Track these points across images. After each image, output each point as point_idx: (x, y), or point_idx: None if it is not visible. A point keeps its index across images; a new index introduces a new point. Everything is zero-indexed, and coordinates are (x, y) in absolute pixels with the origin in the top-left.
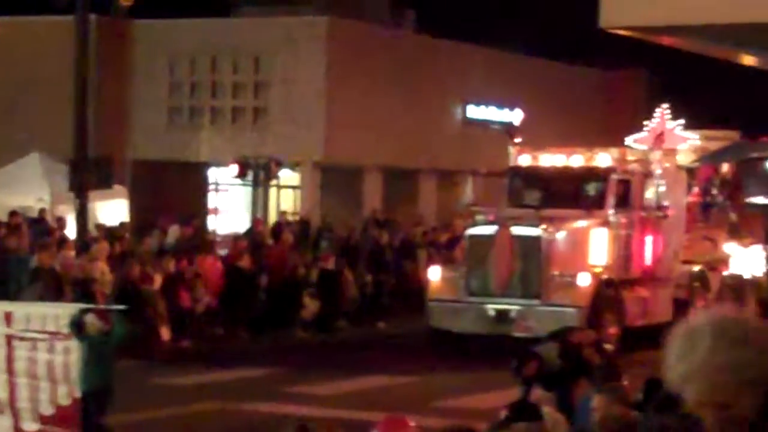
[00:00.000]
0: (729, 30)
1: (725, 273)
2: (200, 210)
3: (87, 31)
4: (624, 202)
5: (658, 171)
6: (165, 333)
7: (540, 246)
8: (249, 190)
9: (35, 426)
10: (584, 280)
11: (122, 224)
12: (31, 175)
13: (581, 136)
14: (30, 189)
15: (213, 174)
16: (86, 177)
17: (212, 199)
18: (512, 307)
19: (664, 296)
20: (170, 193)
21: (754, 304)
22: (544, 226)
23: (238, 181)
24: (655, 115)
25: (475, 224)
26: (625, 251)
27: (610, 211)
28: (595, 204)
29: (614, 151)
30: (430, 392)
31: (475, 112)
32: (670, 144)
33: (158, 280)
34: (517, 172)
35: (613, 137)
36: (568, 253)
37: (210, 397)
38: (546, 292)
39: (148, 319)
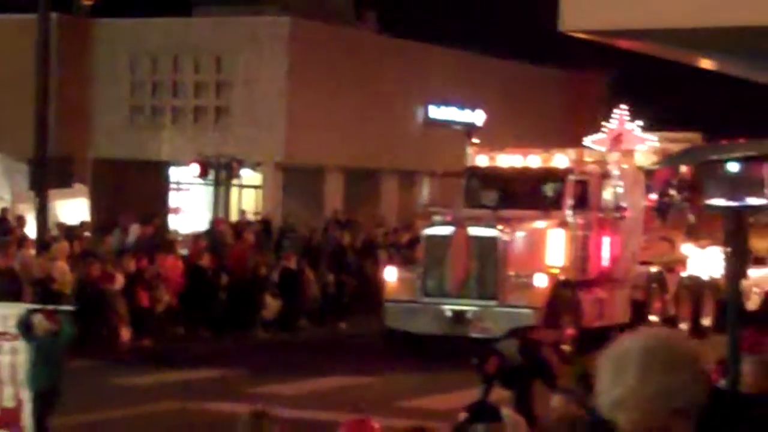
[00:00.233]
0: (688, 34)
1: (683, 274)
2: (161, 209)
3: (48, 30)
4: (581, 203)
5: (615, 172)
6: (125, 333)
7: (497, 247)
8: (210, 189)
9: None
10: (541, 281)
11: (82, 223)
12: None
13: (543, 137)
14: None
15: (174, 173)
16: (47, 176)
17: (174, 199)
18: (469, 307)
19: (622, 297)
20: (131, 193)
21: (711, 305)
22: (500, 226)
23: (200, 180)
24: (613, 116)
25: (431, 225)
26: (583, 252)
27: (568, 212)
28: (553, 205)
29: (572, 152)
30: (391, 392)
31: (436, 112)
32: (628, 145)
33: (120, 280)
34: (474, 172)
35: (575, 138)
36: (525, 254)
37: (170, 396)
38: (503, 293)
39: (109, 319)
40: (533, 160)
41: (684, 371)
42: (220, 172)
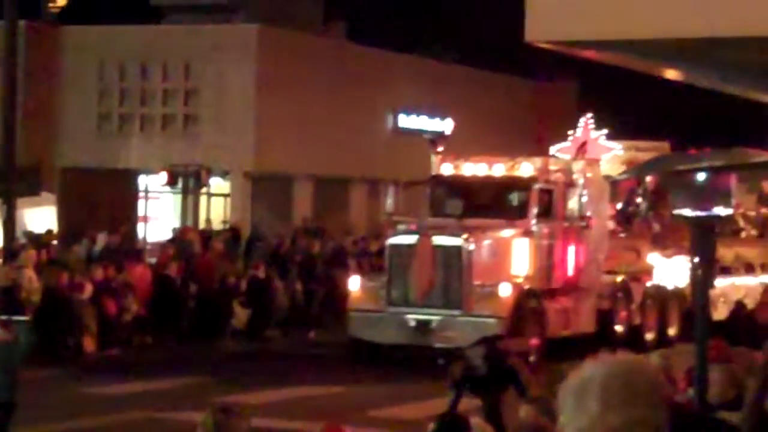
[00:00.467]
0: (652, 45)
1: (648, 284)
2: (130, 218)
3: (15, 37)
4: (546, 211)
5: (580, 181)
6: (89, 343)
7: (461, 256)
8: (179, 197)
9: None
10: (506, 290)
11: (49, 232)
12: None
13: (512, 146)
14: None
15: (143, 182)
16: (14, 184)
17: (142, 207)
18: (433, 317)
19: (587, 307)
20: (99, 201)
21: (677, 314)
22: (465, 235)
23: (168, 188)
24: (579, 125)
25: (395, 234)
26: (548, 261)
27: (533, 221)
28: (518, 214)
29: (537, 161)
30: (361, 402)
31: (406, 121)
32: (593, 154)
33: (89, 289)
34: (439, 181)
35: (544, 147)
36: (490, 263)
37: (138, 406)
38: (467, 303)
39: (76, 328)
40: (498, 169)
41: (643, 402)
42: (189, 181)
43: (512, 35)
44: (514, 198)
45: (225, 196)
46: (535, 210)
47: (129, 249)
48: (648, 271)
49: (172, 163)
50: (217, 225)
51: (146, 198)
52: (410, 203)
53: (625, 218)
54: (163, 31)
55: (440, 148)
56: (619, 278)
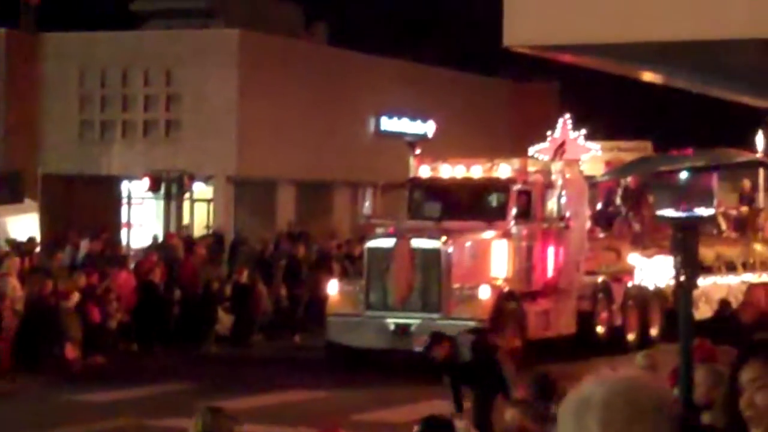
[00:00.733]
0: (631, 49)
1: (629, 284)
2: (113, 224)
3: None
4: (525, 213)
5: (559, 182)
6: (70, 351)
7: (440, 259)
8: (162, 203)
9: None
10: (485, 292)
11: (31, 239)
12: None
13: (494, 147)
14: None
15: (125, 188)
16: None
17: (125, 213)
18: (412, 321)
19: (567, 308)
20: (82, 208)
21: (658, 315)
22: (444, 238)
23: (151, 194)
24: (557, 125)
25: (374, 237)
26: (527, 263)
27: (511, 223)
28: (496, 215)
29: (515, 162)
30: (346, 406)
31: (388, 124)
32: (571, 154)
33: (75, 297)
34: (417, 183)
35: (526, 149)
36: (469, 266)
37: (124, 413)
38: (446, 306)
39: (61, 336)
40: (476, 171)
41: (647, 421)
42: (171, 186)
43: (493, 37)
44: (493, 200)
45: (208, 201)
46: (513, 211)
47: (112, 256)
48: (629, 272)
49: (155, 168)
50: (200, 230)
51: (129, 204)
52: (389, 206)
53: (605, 219)
54: (144, 37)
55: (418, 151)
56: (600, 279)
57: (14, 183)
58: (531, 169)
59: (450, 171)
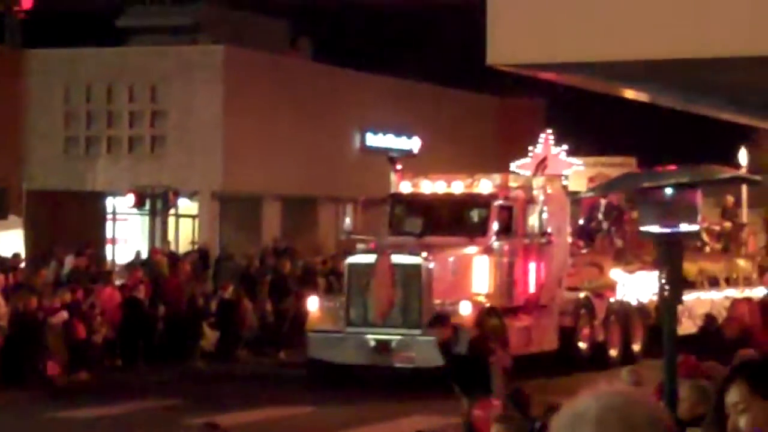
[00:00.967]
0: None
1: (612, 299)
2: (98, 240)
3: None
4: (506, 228)
5: (541, 197)
6: (52, 367)
7: (421, 274)
8: (147, 219)
9: None
10: (466, 309)
11: (16, 255)
12: None
13: (480, 164)
14: None
15: (110, 203)
16: None
17: (110, 229)
18: (393, 337)
19: (549, 324)
20: (67, 224)
21: (641, 330)
22: (425, 254)
23: (136, 210)
24: (539, 140)
25: (354, 253)
26: (508, 279)
27: (493, 238)
28: (477, 231)
29: (497, 178)
30: (330, 422)
31: (373, 140)
32: (553, 170)
33: (63, 314)
34: (398, 199)
35: (507, 164)
36: (450, 282)
37: (108, 429)
38: (427, 322)
39: (46, 352)
40: (457, 186)
41: None
42: (156, 202)
43: (478, 53)
44: (474, 215)
45: (193, 217)
46: (495, 227)
47: (97, 272)
48: (611, 287)
49: (140, 184)
50: (185, 246)
51: (114, 220)
52: (372, 222)
53: (587, 234)
54: (129, 53)
55: (399, 166)
56: (582, 294)
57: None
58: (512, 184)
59: (431, 186)
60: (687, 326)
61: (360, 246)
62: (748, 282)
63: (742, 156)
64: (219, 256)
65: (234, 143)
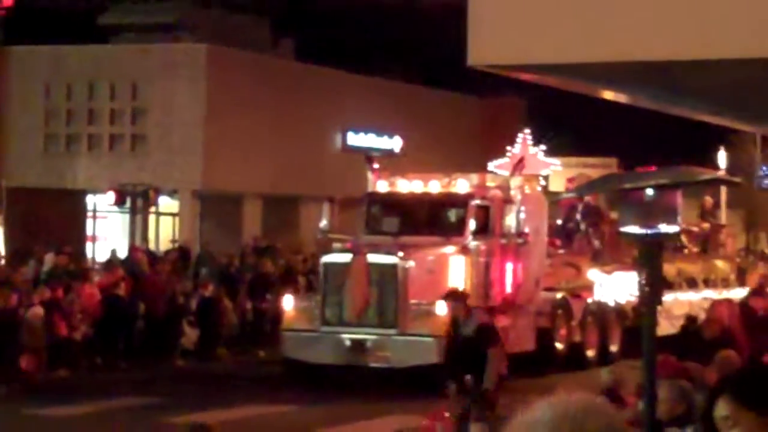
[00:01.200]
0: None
1: (589, 300)
2: (78, 238)
3: None
4: (483, 228)
5: (518, 197)
6: (26, 362)
7: (396, 274)
8: (127, 217)
9: None
10: (442, 309)
11: None
12: None
13: (461, 163)
14: None
15: (91, 201)
16: None
17: (90, 227)
18: (368, 337)
19: (526, 325)
20: (47, 221)
21: (618, 331)
22: (401, 253)
23: (117, 208)
24: (517, 140)
25: (330, 252)
26: (485, 279)
27: (469, 238)
28: (454, 231)
29: (474, 177)
30: (310, 420)
31: (355, 139)
32: (531, 170)
33: (38, 309)
34: (375, 198)
35: (485, 164)
36: (426, 282)
37: (88, 427)
38: (403, 322)
39: (25, 349)
40: (434, 186)
41: None
42: (137, 200)
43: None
44: (451, 215)
45: (174, 215)
46: (471, 227)
47: (77, 269)
48: (588, 288)
49: (120, 182)
50: (165, 244)
51: (94, 218)
52: (350, 221)
53: (565, 234)
54: (111, 51)
55: (376, 165)
56: (559, 295)
57: None
58: (490, 184)
59: (408, 186)
60: (665, 327)
61: (336, 245)
62: (726, 283)
63: (721, 157)
64: (199, 254)
65: (215, 142)
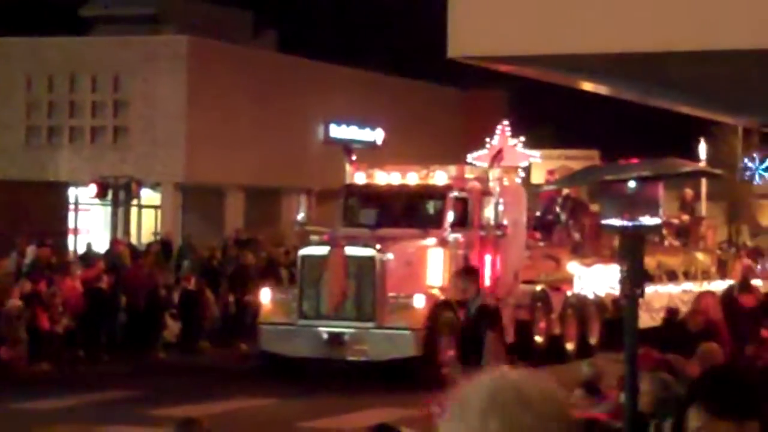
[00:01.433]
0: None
1: (568, 293)
2: (60, 230)
3: None
4: (462, 220)
5: (497, 189)
6: (4, 351)
7: (374, 267)
8: (109, 210)
9: None
10: (420, 301)
11: None
12: None
13: (442, 155)
14: None
15: (72, 194)
16: None
17: (72, 219)
18: (346, 330)
19: (505, 317)
20: (29, 214)
21: (597, 324)
22: (378, 246)
23: (98, 201)
24: (495, 132)
25: (307, 245)
26: None
27: (448, 230)
28: (432, 223)
29: (452, 169)
30: (291, 414)
31: (337, 131)
32: (510, 161)
33: (17, 302)
34: (352, 190)
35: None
36: (404, 274)
37: (70, 420)
38: (380, 315)
39: (7, 342)
40: (412, 178)
41: (533, 410)
42: (119, 193)
43: (440, 45)
44: (429, 207)
45: (156, 207)
46: (450, 219)
47: (58, 262)
48: (568, 281)
49: (102, 175)
50: (147, 237)
51: (76, 210)
52: (328, 213)
53: (544, 227)
54: (92, 43)
55: (354, 157)
56: (539, 288)
57: None
58: (468, 176)
59: (386, 178)
60: (645, 320)
61: (313, 238)
62: (706, 275)
63: (702, 149)
64: (181, 246)
65: (197, 134)
